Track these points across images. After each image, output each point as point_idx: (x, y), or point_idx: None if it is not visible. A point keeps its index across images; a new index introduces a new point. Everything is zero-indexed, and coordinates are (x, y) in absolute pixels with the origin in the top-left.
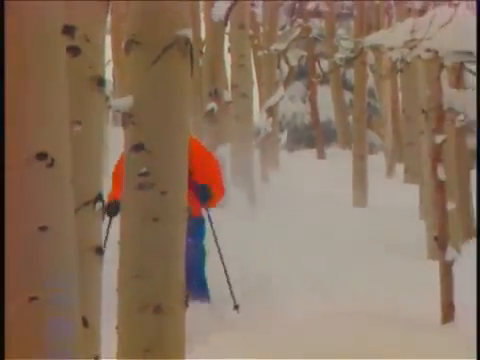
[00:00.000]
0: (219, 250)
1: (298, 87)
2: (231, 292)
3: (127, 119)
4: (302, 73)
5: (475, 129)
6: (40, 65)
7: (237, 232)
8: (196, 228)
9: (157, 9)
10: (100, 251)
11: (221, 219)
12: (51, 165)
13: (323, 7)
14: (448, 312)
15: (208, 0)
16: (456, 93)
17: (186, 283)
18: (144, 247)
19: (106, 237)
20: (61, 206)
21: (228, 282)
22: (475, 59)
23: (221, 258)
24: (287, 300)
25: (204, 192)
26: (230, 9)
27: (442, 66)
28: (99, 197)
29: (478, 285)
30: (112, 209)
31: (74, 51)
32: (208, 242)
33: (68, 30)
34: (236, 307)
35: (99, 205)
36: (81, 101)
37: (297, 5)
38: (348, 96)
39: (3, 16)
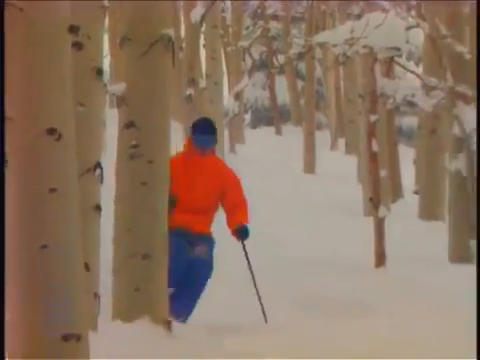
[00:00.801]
0: (251, 271)
1: (259, 76)
2: (262, 308)
3: (121, 101)
4: (263, 65)
5: (402, 110)
6: (50, 57)
7: None
8: (209, 246)
9: (145, 12)
10: (99, 208)
11: None
12: (59, 139)
13: (280, 12)
14: (380, 258)
15: (189, 1)
16: (387, 81)
17: (178, 296)
18: (134, 206)
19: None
20: (67, 172)
21: (258, 297)
22: (402, 54)
23: (253, 278)
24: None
25: (246, 233)
26: (205, 13)
27: (375, 59)
28: (98, 165)
29: (478, 283)
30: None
31: (78, 46)
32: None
33: (73, 29)
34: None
35: (98, 172)
36: (84, 87)
37: (259, 10)
38: (300, 84)
39: (3, 16)
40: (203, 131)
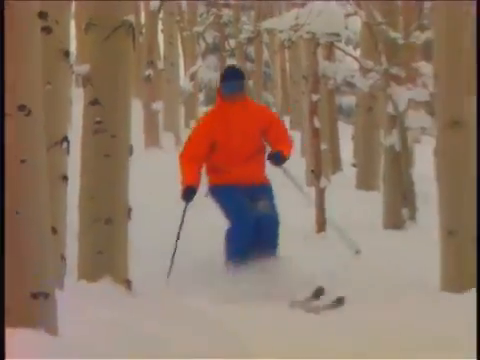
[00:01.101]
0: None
1: (212, 59)
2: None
3: (86, 81)
4: (215, 49)
5: (342, 90)
6: (21, 40)
7: (166, 164)
8: (270, 197)
9: (109, 1)
10: (65, 179)
11: (157, 154)
12: (28, 114)
13: (231, 0)
14: (321, 225)
15: None
16: (328, 64)
17: (264, 238)
18: (98, 176)
19: (182, 222)
20: (36, 145)
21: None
22: (341, 39)
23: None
24: (196, 216)
25: (278, 158)
26: (162, 1)
27: (318, 44)
28: (65, 139)
29: (478, 282)
30: (188, 195)
31: (47, 30)
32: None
33: (42, 15)
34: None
35: (65, 145)
36: (52, 67)
37: None
38: (249, 66)
39: (3, 16)
40: (230, 78)
